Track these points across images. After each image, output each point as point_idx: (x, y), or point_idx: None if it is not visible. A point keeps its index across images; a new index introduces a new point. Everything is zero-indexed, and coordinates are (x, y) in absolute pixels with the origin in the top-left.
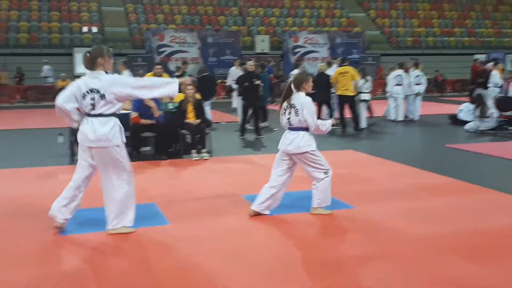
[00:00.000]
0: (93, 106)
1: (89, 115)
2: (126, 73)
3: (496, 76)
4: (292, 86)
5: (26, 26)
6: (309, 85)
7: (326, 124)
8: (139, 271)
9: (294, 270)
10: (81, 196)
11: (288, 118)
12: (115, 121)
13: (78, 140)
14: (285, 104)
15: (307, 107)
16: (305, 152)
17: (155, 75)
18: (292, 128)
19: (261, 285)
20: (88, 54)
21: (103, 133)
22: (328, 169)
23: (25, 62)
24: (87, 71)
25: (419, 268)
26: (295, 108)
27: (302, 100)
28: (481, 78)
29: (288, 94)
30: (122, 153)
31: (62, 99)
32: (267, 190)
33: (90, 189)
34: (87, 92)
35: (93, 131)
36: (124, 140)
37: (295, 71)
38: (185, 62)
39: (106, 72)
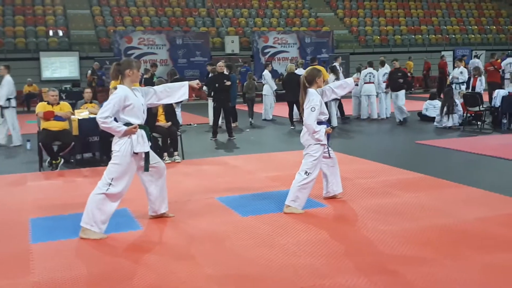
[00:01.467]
0: None
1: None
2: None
3: (463, 72)
4: (305, 82)
5: None
6: (321, 80)
7: (321, 134)
8: (111, 278)
9: (269, 271)
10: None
11: (301, 113)
12: None
13: None
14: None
15: (310, 104)
16: (309, 145)
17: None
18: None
19: (235, 286)
20: (117, 66)
21: None
22: (310, 173)
23: None
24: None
25: (393, 263)
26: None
27: (310, 96)
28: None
29: (304, 90)
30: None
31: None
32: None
33: (67, 193)
34: None
35: None
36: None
37: (266, 72)
38: (154, 65)
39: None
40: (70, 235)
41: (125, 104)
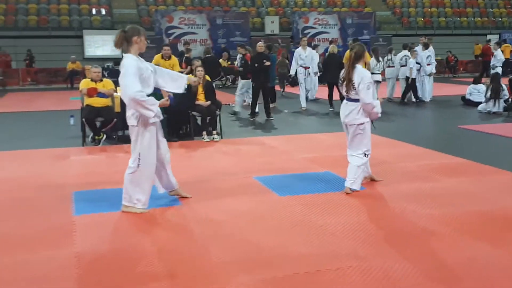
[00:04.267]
0: None
1: None
2: None
3: (496, 56)
4: (354, 57)
5: (35, 9)
6: (366, 57)
7: (379, 109)
8: (152, 251)
9: (305, 250)
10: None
11: (346, 90)
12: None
13: None
14: (342, 76)
15: (364, 81)
16: (360, 123)
17: (163, 56)
18: (350, 100)
19: (272, 264)
20: (123, 33)
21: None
22: (369, 153)
23: (35, 45)
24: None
25: (437, 247)
26: (352, 81)
27: (360, 73)
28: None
29: (352, 66)
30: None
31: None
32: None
33: (109, 168)
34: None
35: None
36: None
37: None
38: (186, 42)
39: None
40: (112, 209)
41: (140, 73)
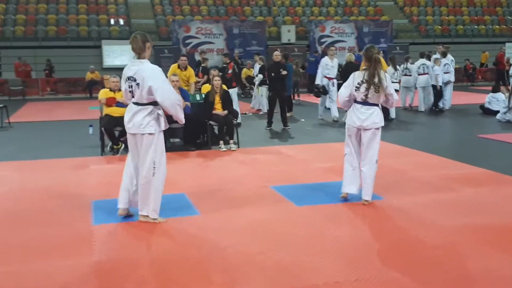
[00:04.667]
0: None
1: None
2: None
3: None
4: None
5: (54, 19)
6: (384, 65)
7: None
8: (171, 261)
9: (323, 260)
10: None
11: (366, 94)
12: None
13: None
14: (360, 79)
15: (388, 78)
16: (378, 128)
17: (179, 66)
18: (368, 104)
19: (290, 275)
20: (138, 36)
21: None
22: (377, 159)
23: (54, 55)
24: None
25: (458, 259)
26: (376, 84)
27: (386, 78)
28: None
29: (379, 68)
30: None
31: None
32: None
33: (121, 179)
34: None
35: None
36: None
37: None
38: (202, 52)
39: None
40: (130, 218)
41: None
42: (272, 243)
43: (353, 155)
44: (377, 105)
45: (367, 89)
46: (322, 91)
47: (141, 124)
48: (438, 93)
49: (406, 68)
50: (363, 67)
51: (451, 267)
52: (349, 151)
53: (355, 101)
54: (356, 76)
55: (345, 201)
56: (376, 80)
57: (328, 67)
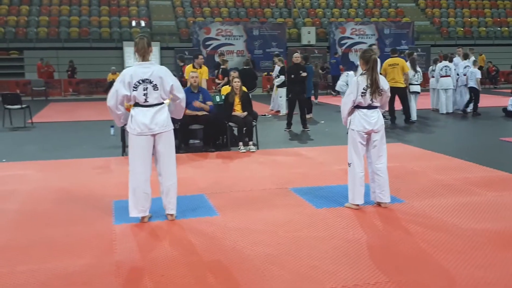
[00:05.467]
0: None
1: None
2: None
3: None
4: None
5: (76, 21)
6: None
7: None
8: (188, 262)
9: (342, 263)
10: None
11: (371, 98)
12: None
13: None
14: (365, 84)
15: (386, 82)
16: (382, 129)
17: (194, 66)
18: (373, 107)
19: (309, 277)
20: (145, 39)
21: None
22: None
23: (76, 56)
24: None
25: (481, 263)
26: (380, 88)
27: (383, 80)
28: None
29: (375, 74)
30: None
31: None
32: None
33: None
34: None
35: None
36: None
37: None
38: (221, 54)
39: None
40: (151, 218)
41: None
42: (291, 245)
43: (361, 161)
44: (378, 106)
45: (373, 93)
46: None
47: (165, 122)
48: (476, 96)
49: (434, 70)
50: (363, 71)
51: (472, 271)
52: (357, 159)
53: (359, 107)
54: (360, 82)
55: (365, 203)
56: (379, 84)
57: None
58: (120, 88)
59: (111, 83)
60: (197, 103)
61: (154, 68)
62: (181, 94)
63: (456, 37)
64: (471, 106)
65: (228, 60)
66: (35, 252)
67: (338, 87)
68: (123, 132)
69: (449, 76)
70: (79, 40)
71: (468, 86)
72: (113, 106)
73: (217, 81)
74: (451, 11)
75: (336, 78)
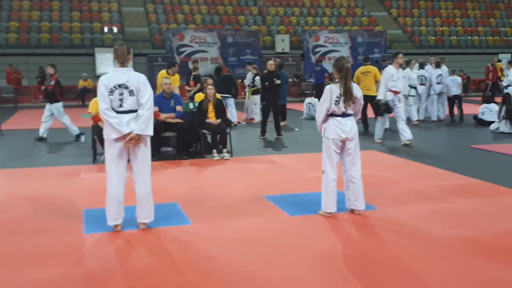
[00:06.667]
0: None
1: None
2: None
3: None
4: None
5: (47, 27)
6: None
7: None
8: (163, 270)
9: (316, 272)
10: None
11: (345, 106)
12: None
13: None
14: (339, 92)
15: (359, 90)
16: (356, 137)
17: (168, 73)
18: (347, 115)
19: (284, 284)
20: (125, 46)
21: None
22: None
23: (47, 62)
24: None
25: (453, 270)
26: (354, 96)
27: (357, 88)
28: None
29: (350, 81)
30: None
31: None
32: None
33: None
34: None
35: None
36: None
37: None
38: (195, 61)
39: None
40: (123, 227)
41: None
42: (265, 253)
43: (334, 169)
44: (352, 114)
45: (346, 101)
46: (385, 109)
47: (149, 127)
48: (460, 102)
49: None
50: (336, 79)
51: (444, 279)
52: (330, 167)
53: (333, 115)
54: (333, 90)
55: (339, 211)
56: (353, 92)
57: (393, 78)
58: (103, 91)
59: (82, 90)
60: (162, 116)
61: (131, 74)
62: (153, 105)
63: (427, 45)
64: (439, 113)
65: (198, 67)
66: (2, 263)
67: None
68: (94, 139)
69: (423, 84)
70: (50, 46)
71: (453, 94)
72: (106, 109)
73: (187, 88)
74: (422, 20)
75: (320, 86)
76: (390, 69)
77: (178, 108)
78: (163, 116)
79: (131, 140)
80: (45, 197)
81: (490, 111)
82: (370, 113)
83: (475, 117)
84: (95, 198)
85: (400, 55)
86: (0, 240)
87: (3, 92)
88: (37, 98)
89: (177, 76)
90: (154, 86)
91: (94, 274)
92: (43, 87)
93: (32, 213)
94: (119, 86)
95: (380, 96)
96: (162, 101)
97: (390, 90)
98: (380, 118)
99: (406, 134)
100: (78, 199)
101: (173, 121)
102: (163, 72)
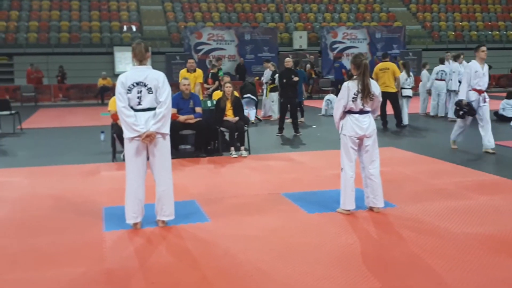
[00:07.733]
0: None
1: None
2: None
3: None
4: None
5: (67, 26)
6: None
7: None
8: (182, 268)
9: (334, 269)
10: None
11: (363, 103)
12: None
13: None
14: (356, 89)
15: (377, 87)
16: (374, 133)
17: (188, 70)
18: (365, 112)
19: (301, 283)
20: (143, 44)
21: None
22: None
23: (67, 62)
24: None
25: (473, 268)
26: (371, 93)
27: (375, 85)
28: None
29: (366, 78)
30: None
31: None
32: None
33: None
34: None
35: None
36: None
37: None
38: (219, 59)
39: None
40: (142, 224)
41: None
42: (282, 251)
43: (352, 166)
44: (370, 111)
45: (363, 98)
46: (468, 111)
47: (163, 126)
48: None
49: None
50: (354, 76)
51: (464, 276)
52: (348, 164)
53: (351, 112)
54: (351, 87)
55: (358, 208)
56: (371, 89)
57: (478, 75)
58: (121, 90)
59: (101, 88)
60: (181, 118)
61: (150, 72)
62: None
63: (447, 41)
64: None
65: (217, 65)
66: (23, 261)
67: None
68: (114, 138)
69: (443, 80)
70: (70, 45)
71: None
72: (123, 107)
73: (205, 85)
74: (442, 15)
75: (340, 83)
76: (474, 64)
77: (198, 109)
78: (182, 118)
79: (147, 138)
80: (65, 195)
81: (511, 106)
82: (389, 109)
83: (496, 113)
84: (115, 196)
85: (483, 48)
86: (21, 238)
87: (24, 91)
88: (57, 97)
89: (199, 72)
90: (171, 85)
91: (114, 272)
92: None
93: (52, 211)
94: (137, 83)
95: (461, 96)
96: (181, 102)
97: (474, 89)
98: (460, 121)
99: (489, 141)
100: (98, 197)
101: (192, 120)
102: (183, 71)
